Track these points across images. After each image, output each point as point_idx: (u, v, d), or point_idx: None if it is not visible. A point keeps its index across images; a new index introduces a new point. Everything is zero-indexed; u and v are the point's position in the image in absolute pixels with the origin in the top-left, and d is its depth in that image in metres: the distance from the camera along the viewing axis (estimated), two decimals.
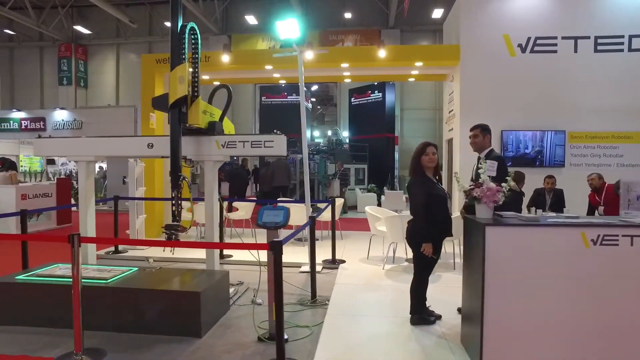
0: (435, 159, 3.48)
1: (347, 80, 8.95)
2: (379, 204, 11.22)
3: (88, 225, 4.66)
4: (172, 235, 3.91)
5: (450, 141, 7.97)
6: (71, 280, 3.55)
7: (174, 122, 3.95)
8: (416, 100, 22.09)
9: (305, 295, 4.61)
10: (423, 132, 22.76)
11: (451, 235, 3.60)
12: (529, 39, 6.82)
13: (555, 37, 6.76)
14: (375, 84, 15.27)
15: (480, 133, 3.84)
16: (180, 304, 3.43)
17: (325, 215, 7.83)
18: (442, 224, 3.47)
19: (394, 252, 5.84)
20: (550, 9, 6.82)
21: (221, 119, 4.51)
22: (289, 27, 5.50)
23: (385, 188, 14.10)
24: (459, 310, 3.83)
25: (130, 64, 24.52)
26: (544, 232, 2.66)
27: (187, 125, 3.99)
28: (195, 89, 4.13)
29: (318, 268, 5.74)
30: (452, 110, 7.57)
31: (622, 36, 6.66)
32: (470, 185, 3.00)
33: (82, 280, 3.59)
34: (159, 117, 7.66)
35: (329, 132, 21.23)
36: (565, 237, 2.61)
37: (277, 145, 4.19)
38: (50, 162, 16.25)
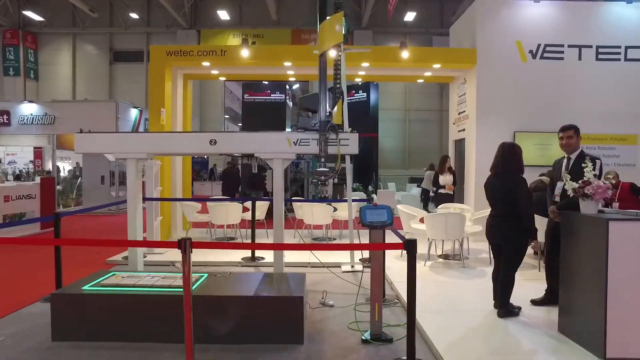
0: None
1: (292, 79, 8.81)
2: None
3: (137, 228, 4.31)
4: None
5: (459, 141, 8.27)
6: (145, 289, 3.33)
7: (322, 71, 4.04)
8: (387, 101, 22.65)
9: (368, 294, 4.60)
10: (394, 132, 23.45)
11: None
12: (539, 45, 7.26)
13: (562, 45, 7.26)
14: (360, 84, 15.42)
15: (574, 134, 3.85)
16: (283, 310, 3.28)
17: (343, 215, 7.84)
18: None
19: (429, 250, 5.97)
20: (557, 18, 7.31)
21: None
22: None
23: (370, 187, 14.31)
24: (532, 301, 4.04)
25: (89, 56, 22.85)
26: None
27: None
28: (338, 87, 4.24)
29: (358, 267, 5.76)
30: (464, 111, 7.85)
31: (619, 47, 7.29)
32: (578, 184, 3.15)
33: (159, 289, 3.37)
34: (168, 113, 7.22)
35: None
36: None
37: (351, 143, 4.14)
38: None
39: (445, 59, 7.39)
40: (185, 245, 2.74)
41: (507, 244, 3.70)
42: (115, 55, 23.25)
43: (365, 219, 3.38)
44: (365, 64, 7.29)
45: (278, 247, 4.25)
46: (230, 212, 7.01)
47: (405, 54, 6.98)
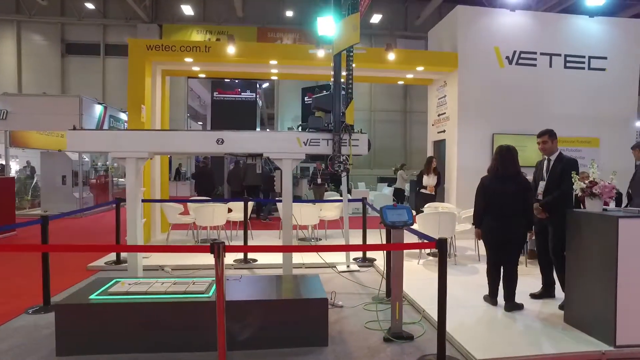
0: None
1: (274, 78, 8.85)
2: None
3: (138, 232, 4.08)
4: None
5: (438, 142, 8.54)
6: (162, 297, 3.18)
7: (337, 71, 4.18)
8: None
9: (373, 292, 4.65)
10: None
11: None
12: (514, 52, 7.67)
13: (535, 53, 7.71)
14: (331, 83, 15.48)
15: (549, 139, 4.24)
16: (308, 311, 3.23)
17: (329, 215, 7.86)
18: None
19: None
20: (531, 27, 7.75)
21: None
22: (329, 24, 5.43)
23: (340, 187, 14.43)
24: (532, 295, 4.27)
25: (36, 47, 21.25)
26: None
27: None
28: (350, 87, 4.18)
29: (354, 267, 5.79)
30: (444, 113, 8.13)
31: (584, 56, 7.86)
32: (585, 184, 3.37)
33: (176, 295, 3.21)
34: (148, 110, 6.87)
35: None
36: None
37: (361, 144, 4.16)
38: None
39: (429, 62, 7.60)
40: (218, 249, 2.63)
41: (515, 242, 3.88)
42: (68, 47, 21.79)
43: (387, 219, 3.40)
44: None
45: (287, 249, 4.17)
46: (216, 214, 6.80)
47: (391, 56, 7.10)
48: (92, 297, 3.19)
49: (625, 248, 3.02)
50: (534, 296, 4.25)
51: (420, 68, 7.63)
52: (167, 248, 5.15)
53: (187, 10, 20.85)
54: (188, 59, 7.12)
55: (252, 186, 10.95)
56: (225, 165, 12.68)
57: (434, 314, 3.76)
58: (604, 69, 7.88)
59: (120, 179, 14.00)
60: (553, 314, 3.79)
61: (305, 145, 4.04)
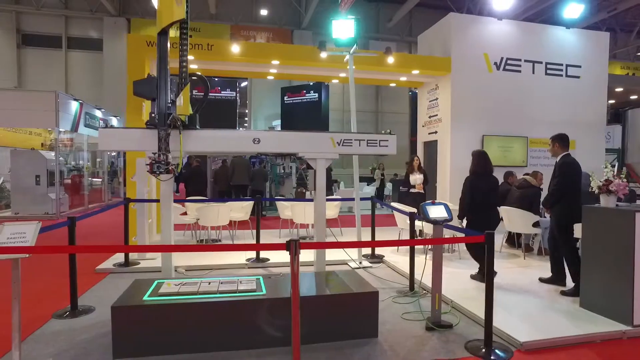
0: None
1: (270, 78, 8.80)
2: None
3: (170, 232, 4.03)
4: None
5: (429, 143, 8.92)
6: (213, 296, 3.20)
7: (163, 52, 3.65)
8: (329, 102, 23.17)
9: (393, 286, 4.85)
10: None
11: None
12: (502, 58, 8.17)
13: (520, 60, 8.26)
14: (311, 84, 15.64)
15: (552, 142, 4.72)
16: (360, 305, 3.37)
17: (329, 213, 8.00)
18: None
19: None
20: (516, 35, 8.29)
21: (196, 111, 4.20)
22: (344, 27, 5.59)
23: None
24: (540, 279, 4.77)
25: None
26: None
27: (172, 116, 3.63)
28: (184, 71, 3.87)
29: (365, 263, 5.98)
30: (436, 115, 8.51)
31: (562, 64, 8.51)
32: (602, 182, 3.75)
33: (229, 294, 3.25)
34: (147, 108, 6.69)
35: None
36: None
37: (390, 144, 4.35)
38: None
39: (424, 66, 7.94)
40: (294, 247, 2.72)
41: (494, 228, 4.57)
42: (24, 38, 20.44)
43: (428, 215, 3.61)
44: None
45: (321, 245, 4.28)
46: (221, 214, 6.76)
47: (390, 60, 7.36)
48: (145, 298, 3.16)
49: None
50: (542, 280, 4.77)
51: (415, 71, 7.96)
52: (203, 247, 5.07)
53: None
54: (189, 57, 6.99)
55: (241, 185, 10.88)
56: (208, 164, 12.46)
57: (463, 303, 4.06)
58: (578, 77, 8.57)
59: (94, 179, 13.40)
60: (567, 301, 4.16)
61: (339, 145, 4.17)
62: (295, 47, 8.99)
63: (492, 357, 3.07)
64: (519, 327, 3.49)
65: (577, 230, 5.61)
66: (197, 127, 4.04)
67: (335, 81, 8.83)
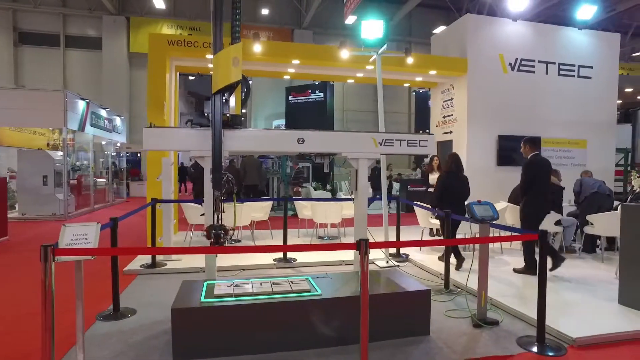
0: None
1: (287, 77, 8.87)
2: None
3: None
4: (220, 239, 3.60)
5: (443, 143, 8.98)
6: (270, 297, 3.21)
7: (216, 111, 3.55)
8: None
9: (425, 283, 4.88)
10: None
11: None
12: (516, 59, 8.27)
13: (534, 60, 8.36)
14: (316, 83, 15.64)
15: (523, 145, 5.25)
16: (414, 303, 3.40)
17: (348, 213, 8.02)
18: None
19: None
20: (530, 36, 8.39)
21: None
22: (373, 27, 5.61)
23: (327, 186, 14.63)
24: (515, 270, 5.26)
25: None
26: None
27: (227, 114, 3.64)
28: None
29: (392, 262, 6.01)
30: (451, 115, 8.58)
31: (574, 65, 8.63)
32: None
33: (286, 295, 3.25)
34: (168, 107, 6.66)
35: None
36: None
37: (429, 144, 4.38)
38: None
39: (441, 67, 7.99)
40: (363, 246, 2.73)
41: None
42: (21, 36, 20.14)
43: (476, 215, 3.65)
44: (370, 67, 7.55)
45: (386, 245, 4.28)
46: (243, 214, 6.73)
47: (410, 60, 7.40)
48: (203, 300, 3.14)
49: None
50: (516, 270, 5.20)
51: (433, 72, 8.01)
52: (246, 249, 5.03)
53: (158, 3, 19.96)
54: (209, 56, 6.94)
55: (252, 185, 10.86)
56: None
57: (502, 300, 4.12)
58: (590, 77, 8.70)
59: (99, 179, 13.25)
60: (604, 298, 4.23)
61: (381, 145, 4.19)
62: (316, 46, 8.97)
63: (548, 354, 3.12)
64: (568, 324, 3.54)
65: (598, 226, 5.77)
66: (240, 126, 4.02)
67: (350, 81, 8.84)
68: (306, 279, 3.66)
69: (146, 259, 5.70)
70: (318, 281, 3.62)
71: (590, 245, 6.27)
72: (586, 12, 8.47)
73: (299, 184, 12.86)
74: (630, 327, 3.50)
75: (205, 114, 3.74)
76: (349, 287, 3.56)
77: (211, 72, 8.22)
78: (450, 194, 5.42)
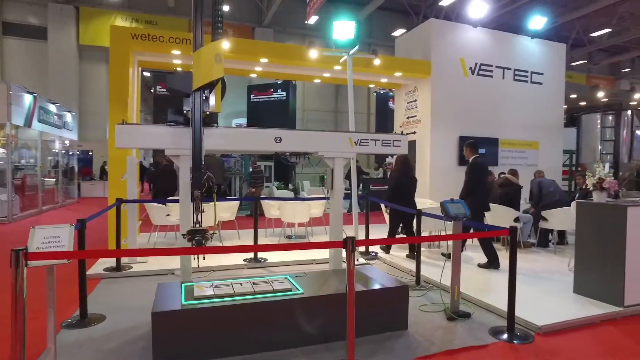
0: None
1: (253, 76, 8.87)
2: None
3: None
4: (201, 241, 3.59)
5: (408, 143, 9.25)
6: (252, 297, 3.20)
7: (196, 109, 3.49)
8: None
9: (403, 282, 5.02)
10: None
11: None
12: (476, 63, 8.68)
13: (492, 65, 8.82)
14: (279, 82, 15.54)
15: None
16: (392, 299, 3.49)
17: (315, 212, 8.06)
18: None
19: None
20: (489, 42, 8.84)
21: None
22: (345, 28, 5.68)
23: (290, 185, 14.61)
24: (479, 265, 5.51)
25: None
26: None
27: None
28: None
29: (362, 260, 6.12)
30: (415, 116, 8.86)
31: (527, 71, 9.21)
32: (596, 179, 4.16)
33: (269, 295, 3.24)
34: (130, 104, 6.36)
35: None
36: None
37: (402, 144, 4.51)
38: None
39: (406, 69, 8.23)
40: (350, 244, 2.78)
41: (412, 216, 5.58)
42: (5, 26, 18.47)
43: (450, 212, 3.81)
44: (337, 67, 7.65)
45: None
46: (210, 214, 6.56)
47: (377, 61, 7.57)
48: (184, 302, 3.05)
49: (632, 229, 3.84)
50: (480, 265, 5.46)
51: (398, 74, 8.24)
52: (235, 249, 4.88)
53: None
54: (175, 51, 6.75)
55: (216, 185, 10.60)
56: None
57: (471, 293, 4.33)
58: (541, 83, 9.32)
59: (47, 179, 12.39)
60: (560, 288, 4.56)
61: (357, 144, 4.26)
62: (285, 45, 8.92)
63: (518, 341, 3.33)
64: (532, 313, 3.78)
65: (552, 221, 6.22)
66: (217, 124, 3.94)
67: (317, 81, 8.88)
68: (285, 278, 3.65)
69: (110, 262, 5.42)
70: (297, 280, 3.62)
71: (544, 240, 6.73)
72: (538, 22, 9.06)
73: (257, 184, 12.29)
74: (587, 313, 3.81)
75: (185, 111, 3.62)
76: (328, 285, 3.60)
77: (176, 69, 7.92)
78: (401, 193, 6.04)
